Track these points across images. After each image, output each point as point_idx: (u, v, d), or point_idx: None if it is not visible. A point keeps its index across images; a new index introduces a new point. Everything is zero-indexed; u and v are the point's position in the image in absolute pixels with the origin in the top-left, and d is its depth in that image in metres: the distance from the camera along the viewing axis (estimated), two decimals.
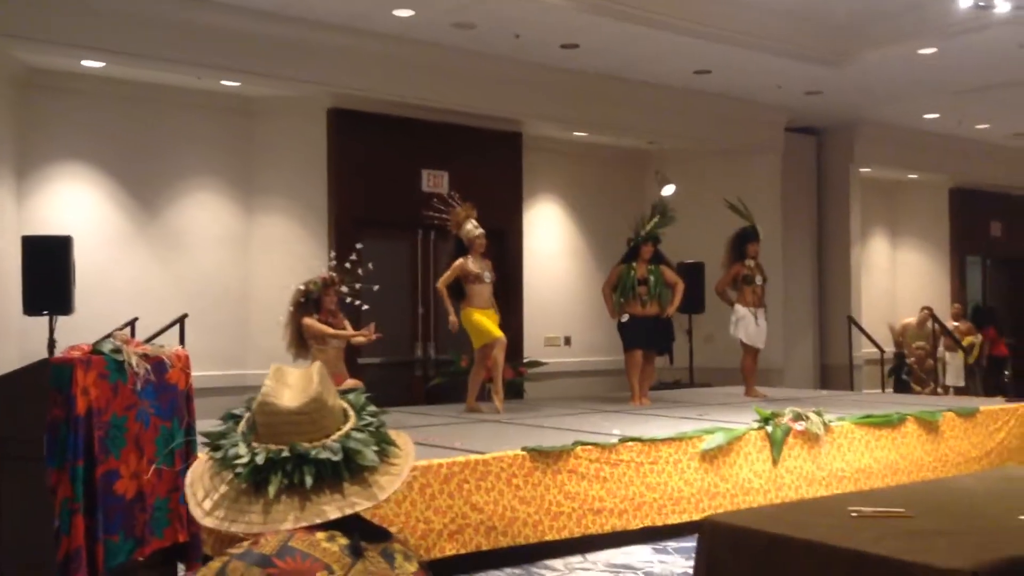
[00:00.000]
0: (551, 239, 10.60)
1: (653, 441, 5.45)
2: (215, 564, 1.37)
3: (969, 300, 13.56)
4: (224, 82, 8.13)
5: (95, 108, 7.97)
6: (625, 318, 7.71)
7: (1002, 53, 8.72)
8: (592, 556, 5.06)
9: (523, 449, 4.99)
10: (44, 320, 6.97)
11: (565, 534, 5.06)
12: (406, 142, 8.89)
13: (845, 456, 6.20)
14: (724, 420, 6.20)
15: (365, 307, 6.70)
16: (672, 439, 5.53)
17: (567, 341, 10.64)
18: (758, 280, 8.26)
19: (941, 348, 12.08)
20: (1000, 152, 12.99)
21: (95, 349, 3.90)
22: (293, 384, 1.57)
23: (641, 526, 5.31)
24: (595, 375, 10.55)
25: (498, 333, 7.07)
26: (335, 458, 1.52)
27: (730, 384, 9.65)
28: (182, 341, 7.38)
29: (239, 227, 8.68)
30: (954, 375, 12.08)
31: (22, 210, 7.67)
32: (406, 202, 8.82)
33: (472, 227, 7.12)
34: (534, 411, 7.26)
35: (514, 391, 9.13)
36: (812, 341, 11.72)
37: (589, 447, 5.20)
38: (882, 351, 10.83)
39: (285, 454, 1.49)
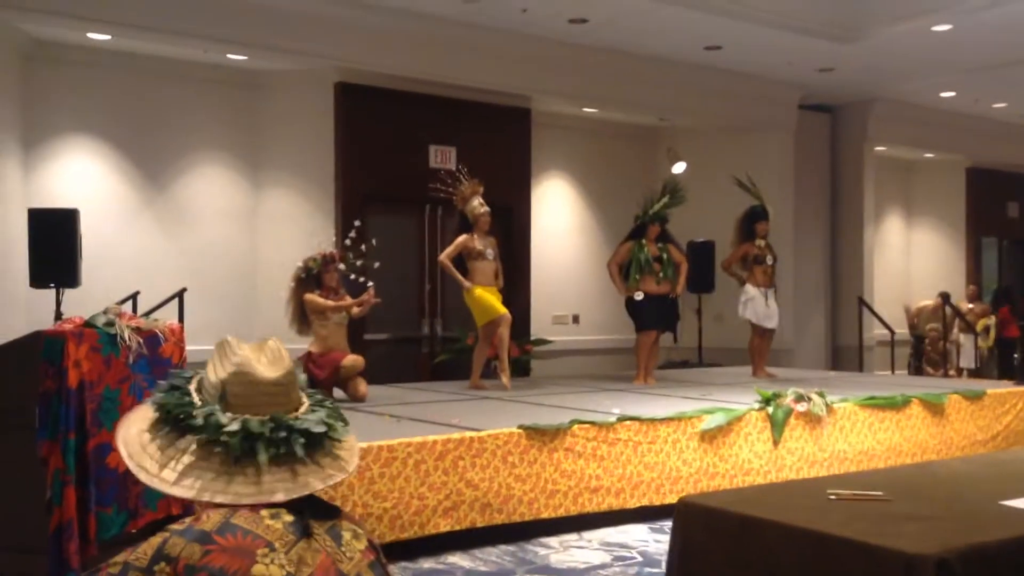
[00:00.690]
0: (560, 216, 10.56)
1: (652, 421, 5.43)
2: (155, 540, 1.36)
3: (985, 281, 13.43)
4: (230, 55, 8.11)
5: (101, 81, 7.98)
6: (639, 296, 7.64)
7: (1018, 30, 8.57)
8: (588, 534, 5.07)
9: (519, 427, 4.99)
10: (51, 292, 7.01)
11: (561, 512, 5.06)
12: (414, 117, 8.85)
13: (848, 438, 6.16)
14: (727, 400, 6.17)
15: (370, 284, 6.69)
16: (671, 419, 5.51)
17: (575, 319, 10.62)
18: (768, 260, 8.19)
19: (955, 331, 11.98)
20: (1018, 131, 12.80)
21: (88, 322, 3.92)
22: (266, 355, 1.54)
23: (638, 505, 5.31)
24: (604, 353, 10.54)
25: (502, 310, 7.05)
26: (318, 429, 1.51)
27: (739, 364, 9.61)
28: (181, 315, 7.41)
29: (246, 201, 8.69)
30: (968, 357, 11.98)
31: (29, 183, 7.71)
32: (413, 177, 8.80)
33: (477, 204, 7.09)
34: (537, 389, 7.26)
35: (520, 369, 9.13)
36: (823, 322, 11.65)
37: (586, 425, 5.19)
38: (892, 332, 10.74)
39: (270, 425, 1.47)
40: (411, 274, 9.09)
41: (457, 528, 4.70)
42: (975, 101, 11.42)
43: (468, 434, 4.82)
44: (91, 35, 7.51)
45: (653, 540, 4.95)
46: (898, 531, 2.27)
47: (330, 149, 8.53)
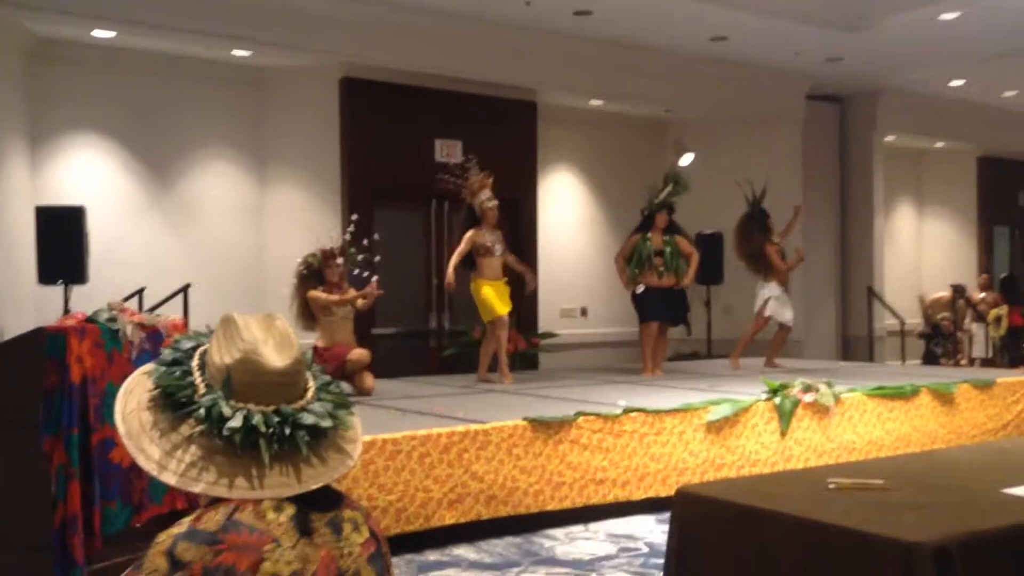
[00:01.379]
0: (566, 210, 10.54)
1: (658, 412, 5.41)
2: (160, 548, 1.31)
3: (996, 271, 13.34)
4: (235, 52, 8.12)
5: (106, 78, 8.00)
6: (640, 289, 7.62)
7: None
8: (594, 525, 5.06)
9: (524, 419, 4.98)
10: (59, 290, 7.05)
11: (567, 504, 5.05)
12: (419, 112, 8.84)
13: (856, 428, 6.13)
14: (734, 391, 6.14)
15: (374, 277, 6.68)
16: (677, 410, 5.49)
17: (583, 312, 10.60)
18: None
19: (968, 320, 11.91)
20: None
21: (90, 318, 3.94)
22: (274, 339, 1.47)
23: (644, 496, 5.30)
24: (612, 346, 10.51)
25: (501, 311, 7.00)
26: (325, 424, 1.46)
27: (748, 356, 9.58)
28: (186, 310, 7.44)
29: (252, 197, 8.71)
30: (980, 347, 11.91)
31: (36, 180, 7.74)
32: (419, 172, 8.78)
33: (486, 198, 7.04)
34: (543, 382, 7.25)
35: (528, 362, 9.13)
36: (833, 312, 11.60)
37: (591, 417, 5.18)
38: (903, 323, 10.68)
39: (277, 418, 1.41)
40: (418, 268, 9.09)
41: (462, 520, 4.70)
42: (985, 89, 11.34)
43: (473, 427, 4.82)
44: (96, 33, 7.53)
45: (659, 531, 4.93)
46: (897, 520, 2.25)
47: (336, 144, 8.53)
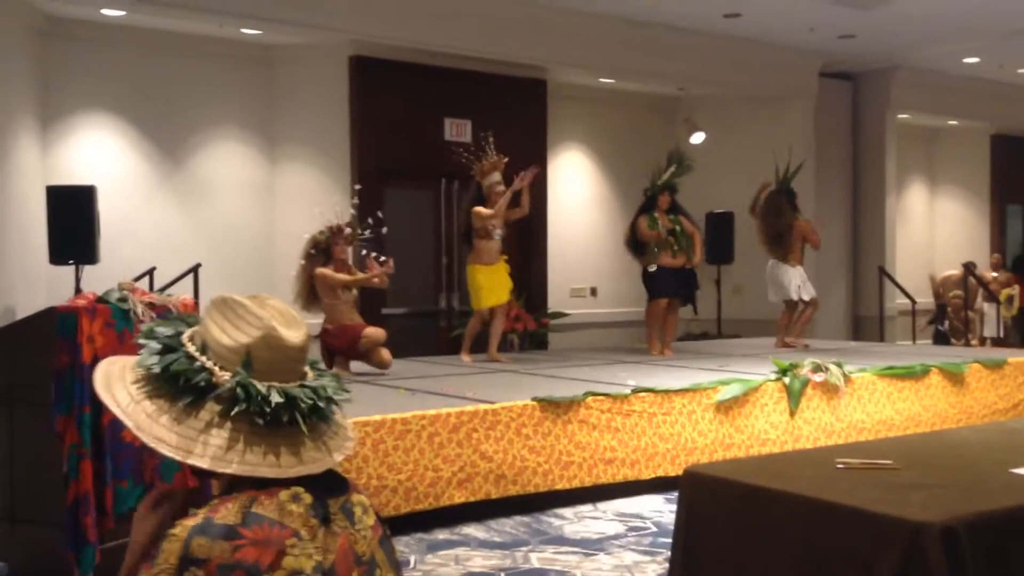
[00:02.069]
0: (577, 189, 10.51)
1: (667, 392, 5.42)
2: (175, 545, 1.28)
3: (1009, 250, 13.25)
4: (244, 30, 8.10)
5: (116, 57, 8.00)
6: (653, 268, 7.60)
7: None
8: (603, 505, 5.08)
9: (533, 399, 4.99)
10: (70, 269, 7.08)
11: (576, 483, 5.07)
12: (429, 90, 8.81)
13: (866, 407, 6.12)
14: (744, 371, 6.14)
15: (382, 259, 6.68)
16: (686, 390, 5.49)
17: (593, 292, 10.59)
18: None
19: (980, 299, 11.84)
20: None
21: (101, 298, 3.95)
22: (282, 316, 1.45)
23: (653, 476, 5.31)
24: (623, 326, 10.50)
25: (485, 304, 7.00)
26: (340, 396, 1.47)
27: (758, 335, 9.57)
28: (196, 290, 7.46)
29: (262, 176, 8.71)
30: (992, 326, 11.86)
31: (46, 160, 7.76)
32: (429, 151, 8.77)
33: (495, 181, 7.02)
34: (552, 361, 7.26)
35: (537, 342, 9.14)
36: (845, 292, 11.55)
37: (600, 397, 5.19)
38: (914, 302, 10.63)
39: (308, 393, 1.40)
40: (428, 248, 9.09)
41: (471, 500, 4.73)
42: (999, 67, 11.22)
43: (482, 406, 4.83)
44: (105, 11, 7.52)
45: (667, 511, 4.94)
46: (905, 499, 2.25)
47: (345, 123, 8.52)
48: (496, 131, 9.02)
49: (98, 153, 7.97)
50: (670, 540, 4.32)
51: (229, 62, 8.47)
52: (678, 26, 9.39)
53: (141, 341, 1.44)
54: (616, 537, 4.51)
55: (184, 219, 8.36)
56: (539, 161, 9.61)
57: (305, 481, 1.38)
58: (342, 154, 8.53)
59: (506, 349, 8.27)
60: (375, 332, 6.31)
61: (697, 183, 10.67)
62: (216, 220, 8.46)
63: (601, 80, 10.13)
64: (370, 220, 6.50)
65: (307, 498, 1.36)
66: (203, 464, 1.34)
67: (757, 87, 10.49)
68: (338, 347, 6.20)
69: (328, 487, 1.41)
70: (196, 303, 4.28)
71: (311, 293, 6.24)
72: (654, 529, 4.65)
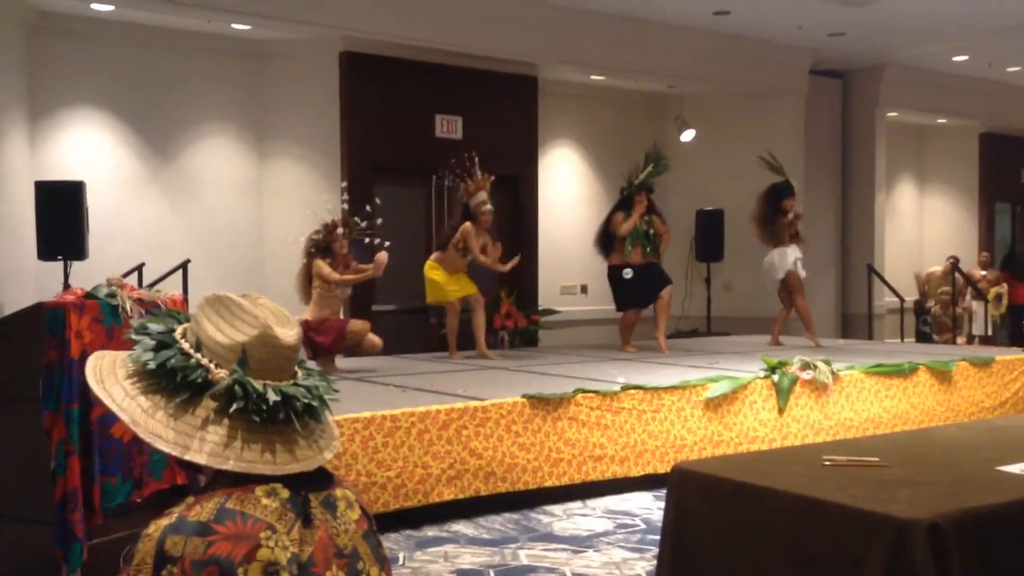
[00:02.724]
0: (568, 186, 10.51)
1: (656, 389, 5.43)
2: (149, 545, 1.29)
3: (997, 248, 13.32)
4: (235, 25, 8.07)
5: (106, 52, 7.96)
6: (628, 274, 7.64)
7: None
8: (592, 502, 5.09)
9: (523, 396, 5.00)
10: (59, 265, 7.06)
11: (565, 480, 5.08)
12: (420, 86, 8.80)
13: (854, 405, 6.15)
14: (733, 369, 6.16)
15: (387, 244, 6.65)
16: (676, 387, 5.51)
17: (583, 289, 10.60)
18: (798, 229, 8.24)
19: (968, 297, 11.90)
20: None
21: (89, 294, 3.94)
22: (275, 315, 1.47)
23: (642, 473, 5.33)
24: (612, 324, 10.45)
25: (453, 297, 7.07)
26: (330, 395, 1.49)
27: (748, 333, 9.60)
28: (185, 286, 7.44)
29: (252, 172, 8.69)
30: (981, 324, 11.91)
31: (35, 155, 7.72)
32: (420, 147, 8.77)
33: (482, 200, 7.03)
34: (542, 358, 7.27)
35: (528, 339, 9.15)
36: (833, 289, 11.60)
37: (590, 394, 5.20)
38: (902, 300, 10.68)
39: (302, 392, 1.42)
40: (418, 244, 9.07)
41: (461, 497, 4.73)
42: (989, 65, 11.27)
43: (472, 403, 4.84)
44: (94, 6, 7.48)
45: (656, 508, 4.96)
46: (891, 496, 2.27)
47: (336, 119, 8.50)
48: (487, 128, 9.07)
49: (87, 148, 7.94)
50: (659, 537, 4.34)
51: (219, 58, 8.45)
52: (668, 23, 9.41)
53: (134, 337, 1.44)
54: (605, 534, 4.52)
55: (173, 215, 8.33)
56: (530, 158, 9.66)
57: (285, 477, 1.38)
58: (332, 150, 8.52)
59: (496, 346, 8.28)
60: (361, 325, 6.31)
61: (687, 180, 10.74)
62: (205, 216, 8.44)
63: (592, 77, 10.14)
64: (367, 208, 6.52)
65: (284, 493, 1.37)
66: (201, 460, 1.35)
67: (747, 84, 10.51)
68: (320, 342, 6.20)
69: (311, 482, 1.42)
70: (185, 299, 4.27)
71: (309, 285, 6.24)
72: (643, 526, 4.66)
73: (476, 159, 7.11)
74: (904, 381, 6.39)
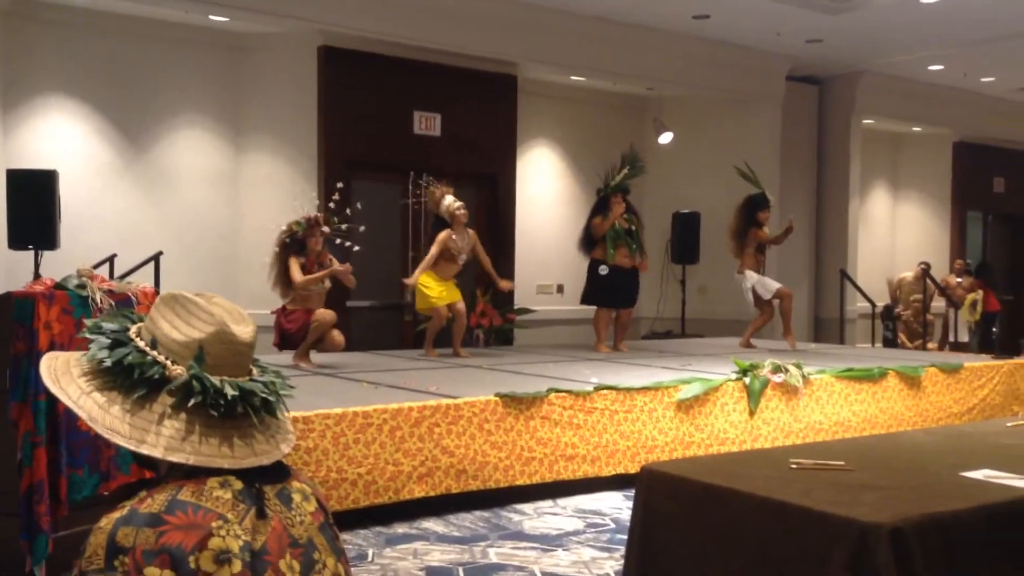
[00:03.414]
0: (545, 185, 10.52)
1: (629, 390, 5.45)
2: (101, 538, 1.30)
3: (969, 256, 13.48)
4: (212, 17, 8.02)
5: (82, 41, 7.88)
6: (604, 271, 7.68)
7: (1007, 4, 8.54)
8: (562, 501, 5.10)
9: (496, 395, 5.00)
10: (29, 254, 6.98)
11: (536, 479, 5.09)
12: (398, 83, 8.78)
13: (824, 409, 6.20)
14: (706, 371, 6.20)
15: (356, 248, 6.66)
16: (648, 388, 5.53)
17: (559, 289, 10.62)
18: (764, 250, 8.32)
19: (943, 304, 12.02)
20: (1005, 106, 12.80)
21: (59, 284, 3.90)
22: (231, 312, 1.49)
23: (613, 473, 5.34)
24: (587, 323, 10.45)
25: (441, 304, 7.03)
26: (285, 392, 1.51)
27: (722, 335, 9.66)
28: (157, 279, 7.39)
29: (227, 165, 8.63)
30: (960, 331, 12.05)
31: (7, 143, 7.63)
32: (398, 144, 8.75)
33: (451, 201, 7.03)
34: (517, 357, 7.28)
35: (503, 338, 9.16)
36: (806, 294, 11.69)
37: (563, 394, 5.21)
38: (874, 306, 10.79)
39: (259, 387, 1.45)
40: (394, 241, 9.06)
41: (432, 494, 4.73)
42: (964, 75, 11.40)
43: (444, 401, 4.83)
44: None
45: (627, 508, 4.98)
46: (855, 500, 2.29)
47: (313, 114, 8.46)
48: (466, 126, 9.07)
49: (60, 138, 7.86)
50: (627, 536, 4.37)
51: (196, 49, 8.39)
52: (648, 26, 9.45)
53: (88, 336, 1.46)
54: (575, 533, 4.53)
55: (147, 206, 8.26)
56: (508, 157, 9.67)
57: (239, 470, 1.40)
58: (309, 145, 8.48)
59: (471, 344, 8.28)
60: (324, 314, 6.27)
61: (664, 183, 10.79)
62: (179, 208, 8.37)
63: (572, 78, 10.16)
64: (348, 211, 6.50)
65: (237, 484, 1.39)
66: (156, 453, 1.36)
67: (725, 89, 10.57)
68: (290, 329, 6.18)
69: (266, 475, 1.44)
70: (156, 291, 4.24)
71: (286, 281, 6.21)
72: (612, 526, 4.68)
73: (429, 180, 7.15)
74: (873, 386, 6.46)
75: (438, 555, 4.15)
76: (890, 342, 11.32)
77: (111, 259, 7.46)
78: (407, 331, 9.04)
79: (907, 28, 9.45)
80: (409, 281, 7.04)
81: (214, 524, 1.32)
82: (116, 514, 1.32)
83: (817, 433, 6.09)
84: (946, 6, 8.64)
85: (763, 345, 8.44)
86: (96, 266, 6.50)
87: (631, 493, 5.16)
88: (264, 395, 1.46)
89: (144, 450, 1.36)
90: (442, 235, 6.96)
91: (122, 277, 6.56)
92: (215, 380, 1.41)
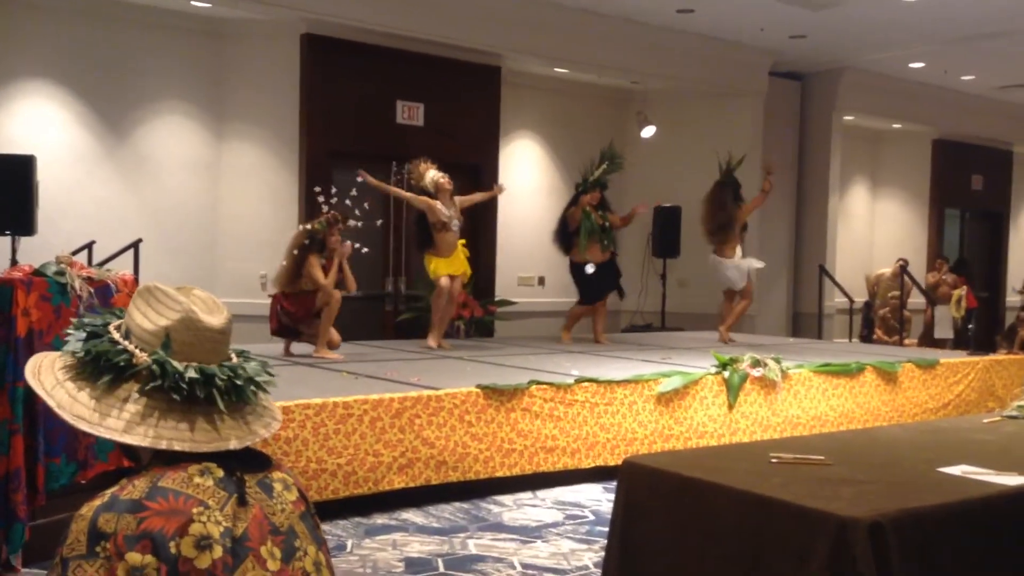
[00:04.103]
0: (528, 177, 10.52)
1: (609, 383, 5.47)
2: (83, 524, 1.32)
3: (946, 253, 13.59)
4: (194, 2, 7.94)
5: (62, 25, 7.79)
6: (591, 269, 7.74)
7: (989, 3, 8.60)
8: (542, 493, 5.12)
9: (477, 386, 5.01)
10: (6, 240, 6.91)
11: (516, 471, 5.10)
12: (382, 72, 8.74)
13: (802, 403, 6.25)
14: (686, 364, 6.22)
15: (365, 250, 6.62)
16: (628, 381, 5.55)
17: (540, 281, 10.63)
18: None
19: (921, 301, 12.12)
20: (984, 104, 12.91)
21: (37, 271, 3.87)
22: (203, 302, 1.52)
23: (593, 465, 5.36)
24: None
25: (444, 272, 7.02)
26: (262, 378, 1.53)
27: (702, 328, 9.70)
28: (136, 266, 7.33)
29: (208, 153, 8.57)
30: (941, 327, 12.14)
31: None
32: (380, 133, 8.71)
33: (435, 172, 7.03)
34: (498, 350, 7.28)
35: (484, 330, 9.15)
36: (785, 289, 11.76)
37: (544, 386, 5.22)
38: (852, 301, 10.87)
39: (226, 372, 1.46)
40: (375, 232, 9.01)
41: (412, 485, 4.73)
42: (944, 73, 11.48)
43: (426, 392, 4.83)
44: None
45: (606, 500, 5.00)
46: (834, 494, 2.31)
47: (295, 102, 8.40)
48: (449, 116, 9.04)
49: (39, 123, 7.77)
50: (607, 529, 4.38)
51: (177, 35, 8.31)
52: (633, 19, 9.45)
53: (70, 331, 1.51)
54: (554, 525, 4.55)
55: (126, 193, 8.19)
56: (491, 148, 9.65)
57: (220, 458, 1.42)
58: (291, 134, 8.42)
59: (452, 336, 8.27)
60: (336, 298, 6.24)
61: (646, 176, 10.80)
62: (159, 196, 8.31)
63: (555, 69, 10.15)
64: (348, 202, 6.49)
65: (217, 472, 1.41)
66: (115, 436, 1.39)
67: (708, 83, 10.59)
68: (291, 311, 6.14)
69: (246, 464, 1.46)
70: (136, 279, 4.21)
71: (298, 275, 6.16)
72: (592, 518, 4.70)
73: (406, 166, 7.15)
74: (851, 381, 6.51)
75: (417, 546, 4.15)
76: (867, 339, 11.42)
77: (90, 246, 7.40)
78: (388, 322, 9.02)
79: (889, 25, 9.50)
80: (371, 181, 6.94)
81: (195, 510, 1.34)
82: (97, 501, 1.34)
83: (795, 427, 6.14)
84: (928, 4, 8.69)
85: (743, 340, 8.49)
86: (74, 253, 6.42)
87: (611, 485, 5.20)
88: (227, 377, 1.46)
89: (102, 432, 1.38)
90: (430, 201, 6.95)
91: (101, 264, 6.50)
92: (178, 364, 1.42)
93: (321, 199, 6.46)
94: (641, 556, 2.64)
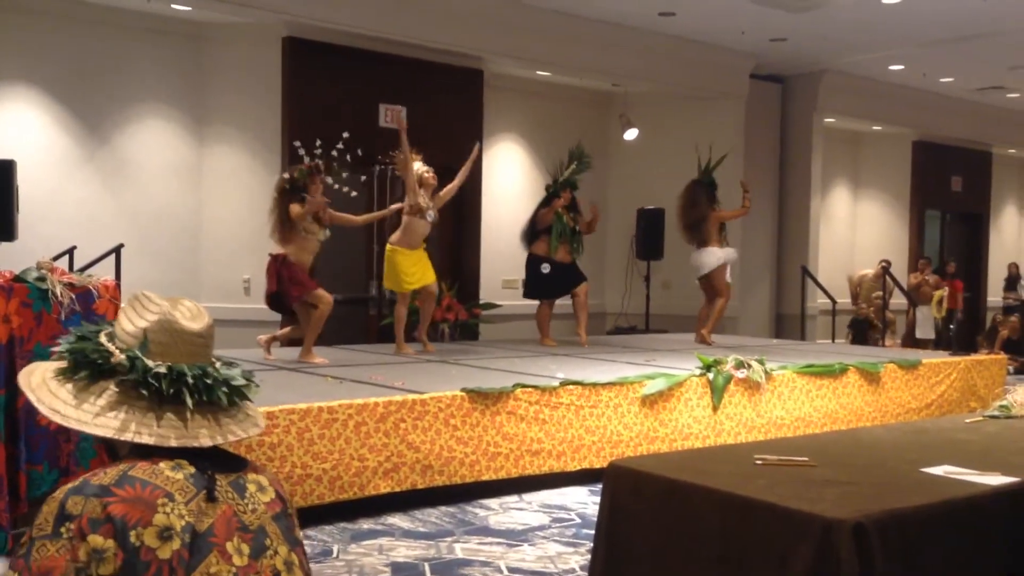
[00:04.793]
0: (511, 180, 10.53)
1: (594, 385, 5.47)
2: (52, 505, 1.38)
3: (927, 254, 13.70)
4: (175, 6, 7.91)
5: (42, 29, 7.74)
6: (546, 269, 7.75)
7: (967, 6, 8.67)
8: (528, 496, 5.12)
9: (462, 390, 5.00)
10: None
11: (502, 474, 5.10)
12: (364, 75, 8.72)
13: (785, 404, 6.28)
14: (670, 366, 6.24)
15: (355, 193, 6.54)
16: (613, 383, 5.56)
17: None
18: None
19: (903, 301, 12.20)
20: (964, 106, 13.02)
21: (18, 277, 3.83)
22: (186, 308, 1.58)
23: (579, 468, 5.37)
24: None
25: (410, 287, 6.92)
26: (238, 382, 1.58)
27: (687, 331, 9.71)
28: (118, 271, 7.29)
29: (190, 156, 8.53)
30: (924, 328, 12.24)
31: None
32: (363, 137, 8.68)
33: (419, 165, 7.01)
34: (482, 353, 7.28)
35: (468, 333, 9.15)
36: (768, 290, 11.82)
37: (529, 389, 5.22)
38: (834, 302, 10.93)
39: (196, 371, 1.52)
40: (359, 235, 9.00)
41: (397, 489, 4.72)
42: (923, 75, 11.58)
43: (410, 396, 4.82)
44: None
45: (592, 502, 5.01)
46: (819, 496, 2.33)
47: (277, 105, 8.38)
48: (431, 119, 9.03)
49: (19, 127, 7.71)
50: (593, 532, 4.39)
51: (158, 38, 8.27)
52: (614, 22, 9.47)
53: (62, 337, 1.59)
54: (540, 528, 4.55)
55: (107, 198, 8.14)
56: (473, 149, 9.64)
57: (194, 456, 1.48)
58: (273, 137, 8.40)
59: (437, 339, 8.26)
60: (327, 302, 6.19)
61: (629, 179, 10.85)
62: (141, 200, 8.26)
63: (538, 72, 10.16)
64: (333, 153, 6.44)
65: (189, 468, 1.46)
66: (84, 427, 1.45)
67: (690, 86, 10.63)
68: (284, 274, 6.05)
69: (221, 464, 1.52)
70: (118, 284, 4.17)
71: (285, 227, 6.09)
72: (578, 521, 4.70)
73: (391, 154, 7.14)
74: (834, 381, 6.55)
75: (404, 551, 4.14)
76: (861, 338, 11.50)
77: (71, 251, 7.35)
78: (371, 326, 9.00)
79: (868, 28, 9.57)
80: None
81: (159, 501, 1.39)
82: (69, 484, 1.40)
83: (779, 428, 6.17)
84: (907, 7, 8.76)
85: (726, 341, 8.51)
86: (55, 258, 6.39)
87: (596, 488, 5.20)
88: (196, 375, 1.51)
89: (72, 423, 1.45)
90: (416, 183, 6.90)
91: (82, 270, 6.46)
92: (149, 362, 1.49)
93: (302, 152, 6.41)
94: (627, 559, 2.65)
